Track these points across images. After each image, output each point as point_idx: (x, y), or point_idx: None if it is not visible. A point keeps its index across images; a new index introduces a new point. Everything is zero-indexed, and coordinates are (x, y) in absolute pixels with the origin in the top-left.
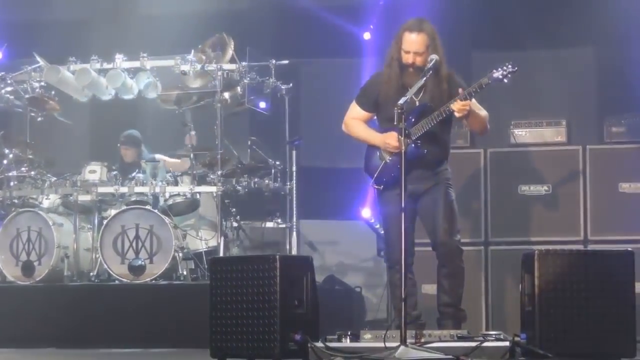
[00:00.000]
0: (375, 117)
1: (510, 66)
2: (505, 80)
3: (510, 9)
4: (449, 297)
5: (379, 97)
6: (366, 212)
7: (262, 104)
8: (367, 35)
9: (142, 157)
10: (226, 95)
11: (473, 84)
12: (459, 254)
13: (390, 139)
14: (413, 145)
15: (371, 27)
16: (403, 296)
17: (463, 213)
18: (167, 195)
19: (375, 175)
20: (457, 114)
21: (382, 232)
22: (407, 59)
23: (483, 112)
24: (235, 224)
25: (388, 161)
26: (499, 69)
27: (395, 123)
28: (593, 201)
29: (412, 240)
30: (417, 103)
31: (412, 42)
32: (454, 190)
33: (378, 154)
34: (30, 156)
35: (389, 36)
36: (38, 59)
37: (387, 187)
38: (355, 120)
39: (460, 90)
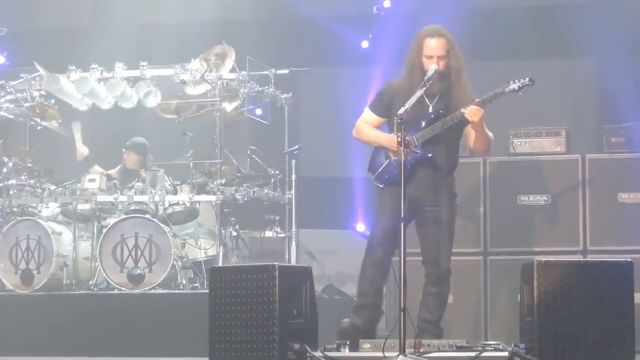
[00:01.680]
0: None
1: (527, 79)
2: (521, 93)
3: (510, 19)
4: (431, 315)
5: (393, 102)
6: (360, 227)
7: (258, 111)
8: (365, 44)
9: (145, 166)
10: (227, 106)
11: (488, 93)
12: (448, 277)
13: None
14: (419, 150)
15: (370, 36)
16: (402, 306)
17: (462, 223)
18: (166, 204)
19: (378, 173)
20: (470, 118)
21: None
22: (430, 64)
23: (490, 133)
24: (234, 233)
25: (392, 160)
26: (516, 81)
27: (394, 132)
28: (592, 211)
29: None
30: (431, 109)
31: (434, 47)
32: (455, 206)
33: (384, 152)
34: (30, 165)
35: (389, 46)
36: (38, 67)
37: (388, 185)
38: (366, 123)
39: (476, 100)
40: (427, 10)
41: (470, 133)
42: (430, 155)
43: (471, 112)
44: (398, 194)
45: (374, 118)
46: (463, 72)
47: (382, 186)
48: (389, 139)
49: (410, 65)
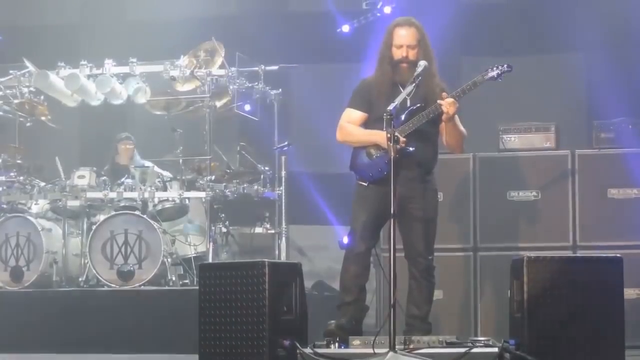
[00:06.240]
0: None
1: (505, 66)
2: (500, 80)
3: (499, 15)
4: (419, 311)
5: (371, 96)
6: (346, 240)
7: (247, 107)
8: (346, 28)
9: (134, 160)
10: (216, 102)
11: (467, 82)
12: (432, 272)
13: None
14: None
15: (354, 23)
16: (392, 302)
17: (452, 219)
18: (156, 200)
19: (362, 171)
20: (444, 109)
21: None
22: (400, 53)
23: (463, 129)
24: (224, 230)
25: (375, 158)
26: (494, 68)
27: (384, 129)
28: (582, 207)
29: (377, 235)
30: (409, 102)
31: (403, 36)
32: (438, 202)
33: (365, 151)
34: (19, 161)
35: (378, 41)
36: (27, 64)
37: (372, 183)
38: (351, 123)
39: (457, 90)
40: (419, 8)
41: (444, 127)
42: (412, 149)
43: (447, 104)
44: (381, 190)
45: (357, 115)
46: (433, 63)
47: (366, 184)
48: (382, 136)
49: (381, 57)
